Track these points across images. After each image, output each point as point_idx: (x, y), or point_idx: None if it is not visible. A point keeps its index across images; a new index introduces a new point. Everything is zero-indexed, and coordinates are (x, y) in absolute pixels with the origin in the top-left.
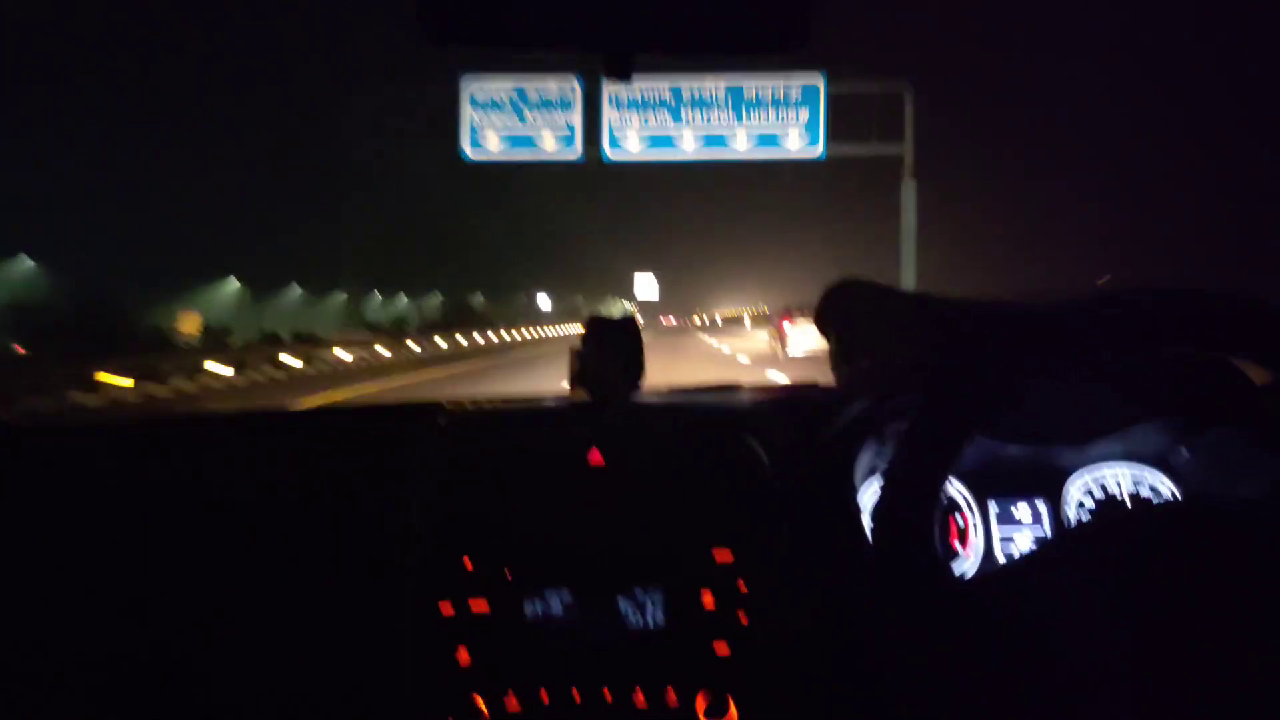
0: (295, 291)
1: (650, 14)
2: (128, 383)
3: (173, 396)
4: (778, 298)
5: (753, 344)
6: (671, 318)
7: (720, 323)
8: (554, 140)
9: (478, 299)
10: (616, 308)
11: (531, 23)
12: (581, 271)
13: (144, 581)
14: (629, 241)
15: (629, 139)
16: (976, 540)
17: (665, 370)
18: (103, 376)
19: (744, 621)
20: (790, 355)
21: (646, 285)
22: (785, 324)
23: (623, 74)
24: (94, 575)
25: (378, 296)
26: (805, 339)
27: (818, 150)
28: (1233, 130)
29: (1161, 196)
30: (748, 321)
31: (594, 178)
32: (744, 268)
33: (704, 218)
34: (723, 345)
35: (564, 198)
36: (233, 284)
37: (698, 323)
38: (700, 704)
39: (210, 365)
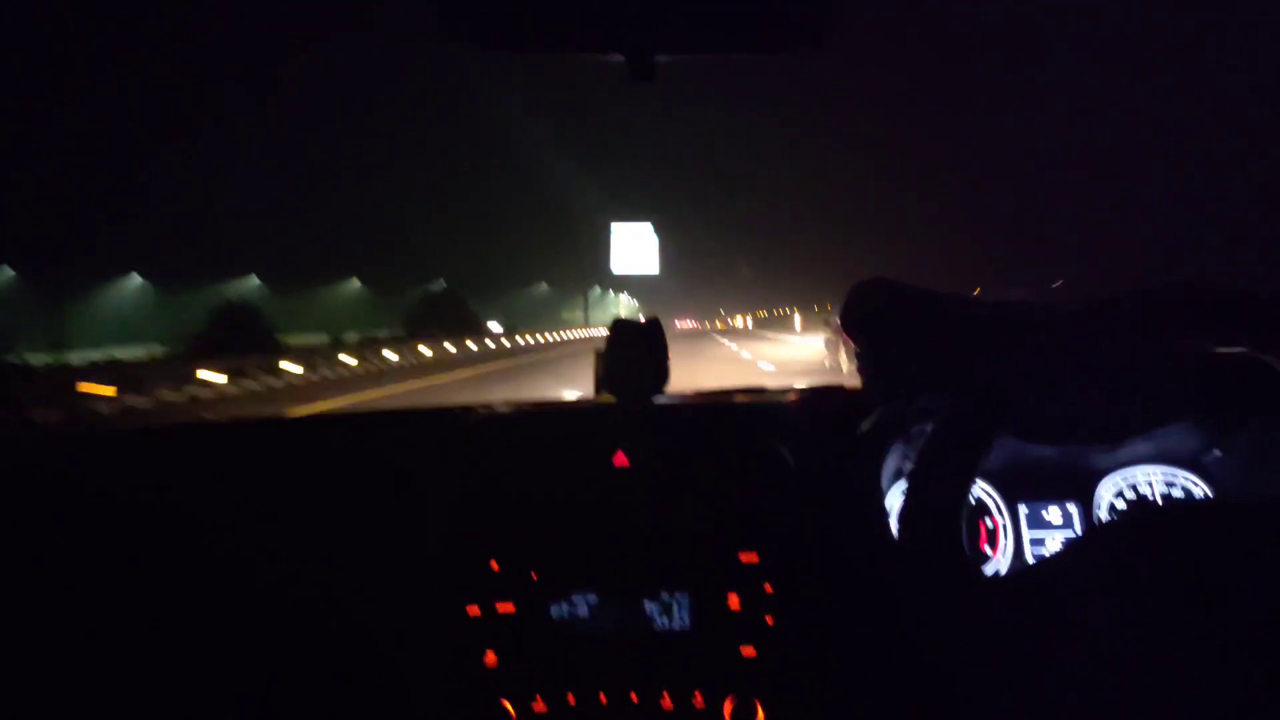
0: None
1: (672, 15)
2: (111, 391)
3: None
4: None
5: (787, 351)
6: (690, 320)
7: (751, 326)
8: None
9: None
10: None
11: (552, 25)
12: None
13: (174, 590)
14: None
15: None
16: (1006, 543)
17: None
18: (85, 386)
19: (770, 624)
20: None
21: (633, 242)
22: None
23: (645, 76)
24: (129, 578)
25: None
26: None
27: None
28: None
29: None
30: (798, 323)
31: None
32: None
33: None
34: (741, 350)
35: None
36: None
37: (725, 326)
38: (728, 708)
39: (202, 373)
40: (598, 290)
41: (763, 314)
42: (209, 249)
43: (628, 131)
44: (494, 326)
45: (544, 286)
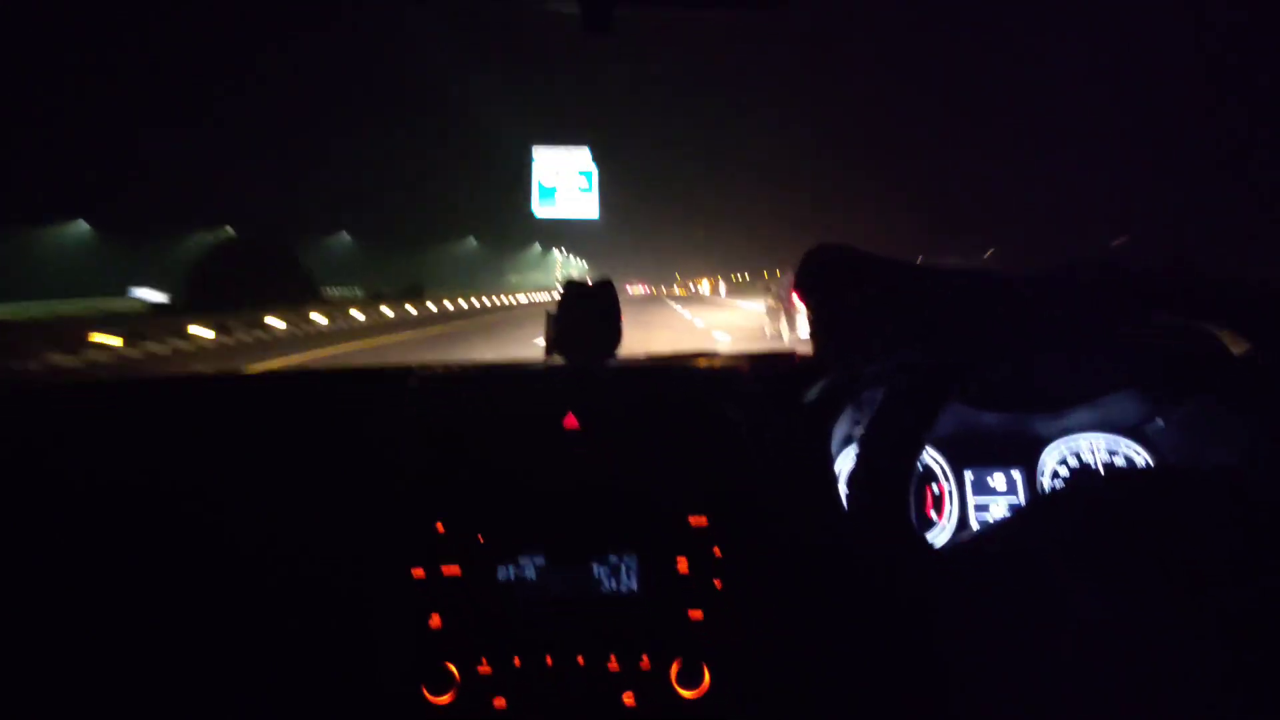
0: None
1: None
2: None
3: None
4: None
5: (734, 318)
6: (641, 284)
7: (724, 294)
8: None
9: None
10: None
11: None
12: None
13: (108, 542)
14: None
15: None
16: (952, 508)
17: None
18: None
19: (718, 587)
20: (801, 336)
21: (564, 173)
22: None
23: (601, 25)
24: (62, 531)
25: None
26: None
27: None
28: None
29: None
30: (722, 289)
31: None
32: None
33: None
34: (695, 318)
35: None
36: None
37: (685, 292)
38: (674, 670)
39: (193, 329)
40: (537, 248)
41: (739, 278)
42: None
43: (573, 71)
44: (335, 292)
45: (471, 242)
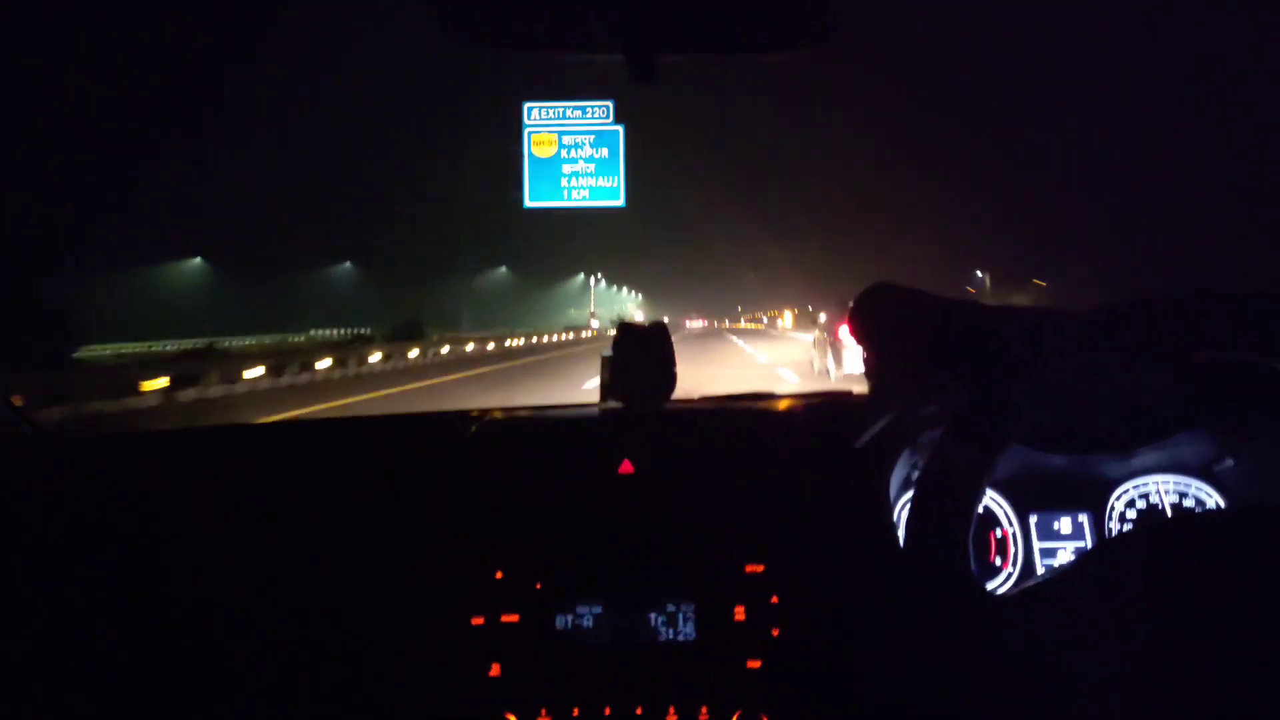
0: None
1: (675, 12)
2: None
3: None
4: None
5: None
6: (699, 318)
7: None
8: None
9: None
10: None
11: (549, 24)
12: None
13: (175, 598)
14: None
15: None
16: (1017, 554)
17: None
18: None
19: (776, 635)
20: (845, 373)
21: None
22: (843, 329)
23: (646, 77)
24: (125, 590)
25: None
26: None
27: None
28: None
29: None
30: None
31: None
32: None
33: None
34: (757, 352)
35: None
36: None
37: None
38: None
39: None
40: (580, 279)
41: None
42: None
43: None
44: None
45: (503, 271)
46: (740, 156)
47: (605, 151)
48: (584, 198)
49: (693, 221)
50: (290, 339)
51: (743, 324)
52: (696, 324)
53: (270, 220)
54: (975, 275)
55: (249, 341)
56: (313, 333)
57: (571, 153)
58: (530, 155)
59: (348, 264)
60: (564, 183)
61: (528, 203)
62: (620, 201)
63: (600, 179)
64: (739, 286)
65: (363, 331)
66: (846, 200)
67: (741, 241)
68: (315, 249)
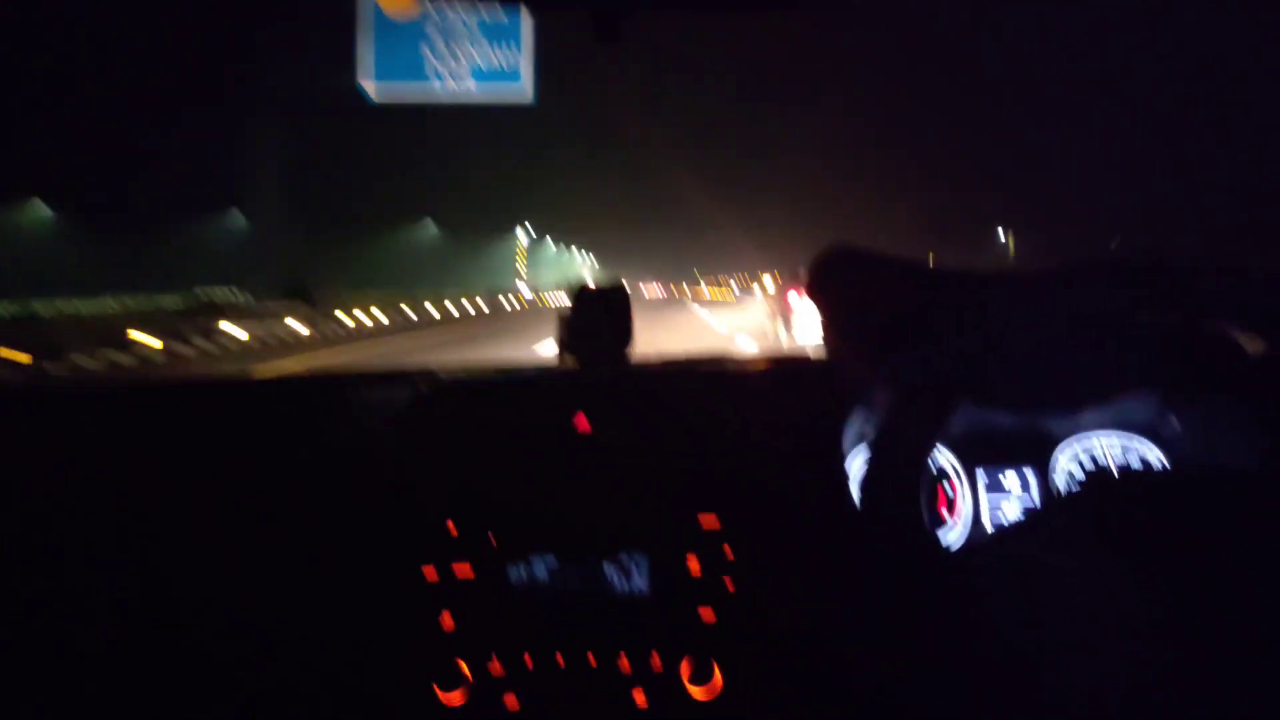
0: None
1: None
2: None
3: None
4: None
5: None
6: (656, 285)
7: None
8: None
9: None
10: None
11: None
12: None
13: (130, 543)
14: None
15: None
16: (964, 508)
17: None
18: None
19: (730, 588)
20: (797, 340)
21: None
22: (792, 295)
23: (610, 35)
24: (86, 532)
25: None
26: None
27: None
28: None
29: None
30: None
31: None
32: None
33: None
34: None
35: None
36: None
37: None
38: (685, 669)
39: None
40: (520, 236)
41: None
42: None
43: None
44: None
45: (430, 228)
46: (710, 110)
47: (498, 8)
48: (466, 83)
49: (657, 174)
50: (158, 301)
51: (706, 293)
52: (656, 293)
53: (123, 160)
54: (998, 236)
55: (79, 305)
56: (196, 290)
57: (444, 10)
58: (376, 13)
59: (234, 210)
60: (432, 59)
61: (375, 94)
62: (524, 90)
63: (493, 52)
64: (702, 246)
65: (232, 292)
66: (800, 163)
67: (709, 194)
68: (188, 193)
